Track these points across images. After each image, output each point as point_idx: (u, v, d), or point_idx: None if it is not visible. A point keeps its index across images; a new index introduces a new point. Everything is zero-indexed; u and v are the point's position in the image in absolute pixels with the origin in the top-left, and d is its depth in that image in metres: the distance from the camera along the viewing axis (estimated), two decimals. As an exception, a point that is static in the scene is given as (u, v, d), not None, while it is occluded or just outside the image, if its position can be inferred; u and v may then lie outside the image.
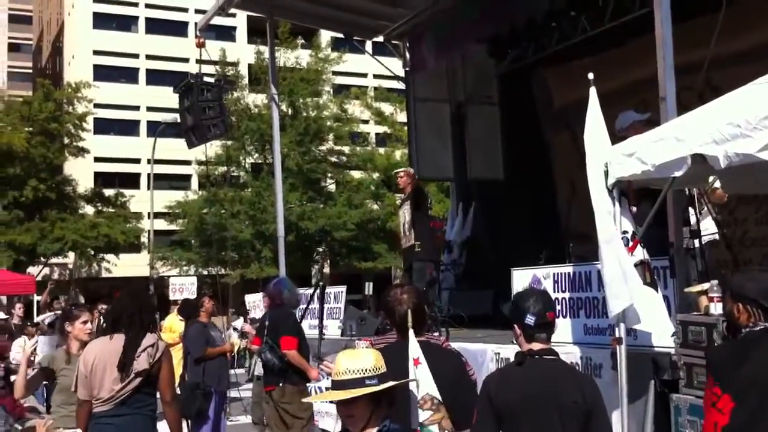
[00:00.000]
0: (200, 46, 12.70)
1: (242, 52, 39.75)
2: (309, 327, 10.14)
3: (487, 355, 6.06)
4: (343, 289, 10.17)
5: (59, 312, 12.56)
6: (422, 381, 3.26)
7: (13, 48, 52.23)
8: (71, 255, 35.57)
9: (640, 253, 4.71)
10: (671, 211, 5.16)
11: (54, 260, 35.65)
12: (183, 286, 15.63)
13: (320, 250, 37.01)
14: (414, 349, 3.37)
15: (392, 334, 4.21)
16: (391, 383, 2.94)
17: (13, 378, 11.10)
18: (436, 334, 6.56)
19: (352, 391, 2.86)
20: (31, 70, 55.88)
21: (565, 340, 6.02)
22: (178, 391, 8.34)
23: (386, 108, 37.76)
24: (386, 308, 3.88)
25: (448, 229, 13.29)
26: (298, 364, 6.77)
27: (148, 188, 37.64)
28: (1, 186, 31.66)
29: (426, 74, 13.50)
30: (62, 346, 5.78)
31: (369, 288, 30.22)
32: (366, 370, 2.90)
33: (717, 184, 4.95)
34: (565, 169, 11.26)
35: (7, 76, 40.72)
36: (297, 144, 33.86)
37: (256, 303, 14.17)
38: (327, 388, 4.54)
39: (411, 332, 3.47)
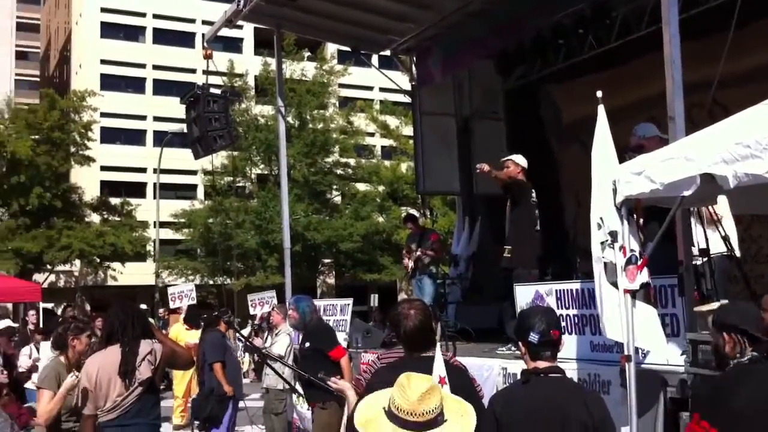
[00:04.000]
0: (208, 57, 12.77)
1: (249, 64, 39.89)
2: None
3: (493, 370, 6.06)
4: (349, 301, 10.17)
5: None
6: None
7: (21, 56, 52.51)
8: (77, 263, 35.63)
9: (646, 274, 4.71)
10: (680, 229, 5.16)
11: (60, 268, 35.71)
12: (182, 293, 15.52)
13: (325, 261, 37.08)
14: (440, 367, 3.23)
15: (399, 349, 4.21)
16: (455, 419, 2.70)
17: (26, 385, 11.14)
18: (443, 349, 6.56)
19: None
20: (38, 78, 56.15)
21: (571, 357, 6.01)
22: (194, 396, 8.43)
23: (392, 121, 37.88)
24: (393, 322, 3.88)
25: (455, 242, 13.32)
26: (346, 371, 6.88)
27: (155, 197, 37.68)
28: (6, 194, 31.76)
29: (432, 88, 13.55)
30: (60, 358, 5.74)
31: (374, 300, 30.20)
32: (437, 408, 2.62)
33: None
34: (572, 184, 11.27)
35: (15, 84, 40.83)
36: (303, 155, 34.00)
37: (258, 301, 14.21)
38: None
39: (438, 350, 3.38)
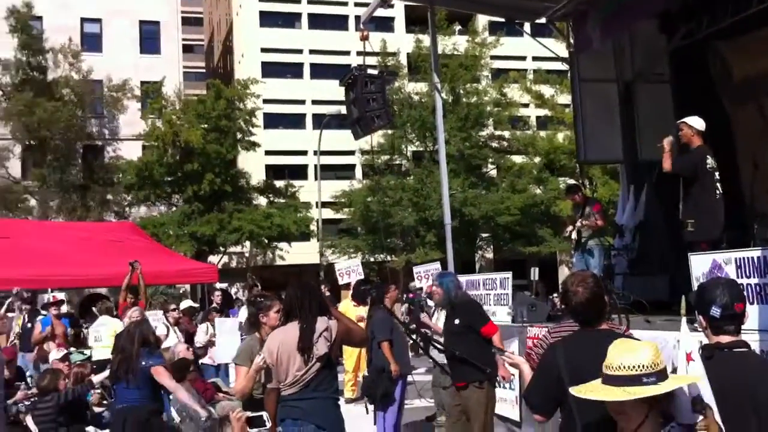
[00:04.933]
0: (364, 39, 13.01)
1: (401, 42, 40.19)
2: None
3: (669, 342, 5.84)
4: (508, 275, 10.10)
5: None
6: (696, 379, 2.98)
7: (187, 49, 55.48)
8: (247, 244, 37.35)
9: None
10: None
11: (232, 249, 37.61)
12: (350, 269, 15.82)
13: (484, 235, 36.96)
14: (687, 342, 3.12)
15: (570, 323, 4.15)
16: (671, 383, 2.74)
17: (203, 360, 11.93)
18: (616, 322, 6.39)
19: (629, 390, 2.64)
20: (204, 70, 59.27)
21: (754, 328, 5.69)
22: (365, 374, 8.64)
23: (546, 90, 37.04)
24: (563, 296, 3.83)
25: (619, 212, 12.90)
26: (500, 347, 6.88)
27: (316, 179, 38.93)
28: (181, 181, 33.82)
29: (591, 54, 13.12)
30: (255, 335, 6.08)
31: (535, 273, 29.85)
32: (644, 367, 2.67)
33: None
34: (747, 145, 10.61)
35: (183, 77, 43.22)
36: (458, 130, 33.95)
37: (423, 274, 14.37)
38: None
39: (684, 322, 3.32)
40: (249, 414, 4.49)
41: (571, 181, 33.08)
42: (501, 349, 4.46)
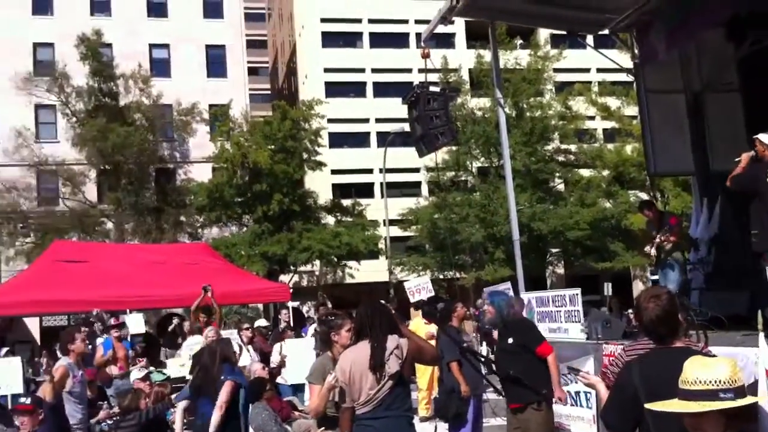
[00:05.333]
0: (425, 56, 13.10)
1: (462, 58, 40.22)
2: (549, 330, 10.11)
3: (749, 359, 5.71)
4: (577, 291, 9.96)
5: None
6: None
7: (252, 72, 56.65)
8: (317, 263, 37.68)
9: None
10: None
11: (302, 268, 38.01)
12: (420, 287, 15.80)
13: (553, 251, 36.51)
14: (766, 357, 3.14)
15: (645, 340, 4.12)
16: (749, 399, 2.70)
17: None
18: (694, 339, 6.27)
19: (705, 404, 2.63)
20: (269, 91, 60.35)
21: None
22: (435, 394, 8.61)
23: (612, 102, 36.51)
24: (637, 311, 3.81)
25: (693, 225, 12.59)
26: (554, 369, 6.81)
27: (382, 196, 39.13)
28: (251, 201, 34.43)
29: (657, 65, 12.91)
30: (327, 353, 6.18)
31: (608, 289, 29.30)
32: (720, 382, 2.66)
33: None
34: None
35: (249, 99, 44.17)
36: (523, 144, 33.73)
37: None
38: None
39: (762, 338, 3.30)
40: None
41: (644, 196, 32.51)
42: (576, 369, 4.42)
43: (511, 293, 11.15)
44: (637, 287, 40.03)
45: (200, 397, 7.09)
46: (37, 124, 39.71)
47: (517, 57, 35.58)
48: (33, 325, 31.03)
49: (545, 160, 35.32)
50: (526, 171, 33.70)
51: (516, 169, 32.27)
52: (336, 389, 5.27)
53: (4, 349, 15.10)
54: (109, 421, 8.75)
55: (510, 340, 7.17)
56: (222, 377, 6.94)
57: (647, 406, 2.92)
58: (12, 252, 34.02)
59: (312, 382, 5.92)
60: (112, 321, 12.57)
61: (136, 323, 14.37)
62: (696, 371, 2.70)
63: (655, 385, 3.37)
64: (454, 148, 33.65)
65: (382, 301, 6.06)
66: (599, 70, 40.46)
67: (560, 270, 41.06)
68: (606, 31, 13.69)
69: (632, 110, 33.35)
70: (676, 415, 2.78)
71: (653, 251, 10.10)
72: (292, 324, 14.60)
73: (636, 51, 13.25)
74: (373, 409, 5.02)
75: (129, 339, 13.62)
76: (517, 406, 7.07)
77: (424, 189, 42.92)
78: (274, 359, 12.78)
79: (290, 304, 16.49)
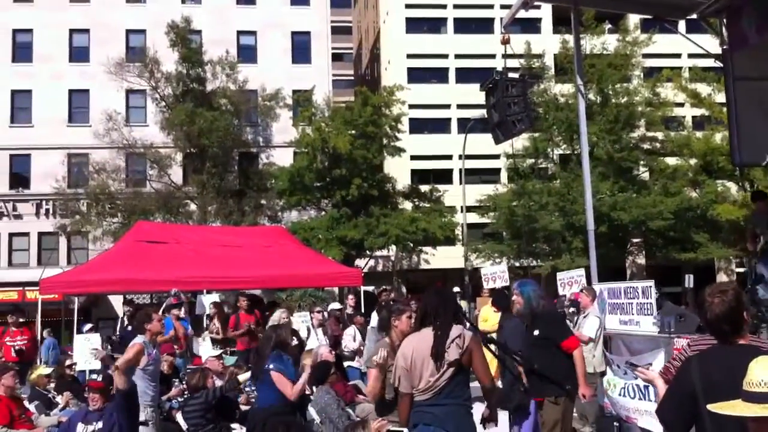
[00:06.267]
0: (505, 42, 12.93)
1: (548, 43, 39.49)
2: (620, 323, 9.88)
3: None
4: (651, 283, 9.66)
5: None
6: None
7: (336, 57, 57.09)
8: (393, 248, 37.84)
9: None
10: None
11: (378, 253, 38.22)
12: (495, 275, 15.71)
13: (634, 241, 35.64)
14: None
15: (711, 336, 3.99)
16: None
17: (346, 364, 12.15)
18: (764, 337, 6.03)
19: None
20: (352, 77, 60.68)
21: None
22: (499, 384, 8.53)
23: (703, 89, 35.23)
24: (700, 306, 3.71)
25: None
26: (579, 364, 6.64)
27: (460, 183, 38.91)
28: (330, 186, 34.78)
29: (747, 51, 12.36)
30: (385, 339, 6.18)
31: (689, 280, 28.35)
32: None
33: None
34: None
35: (333, 84, 44.58)
36: (607, 132, 32.98)
37: (567, 281, 14.04)
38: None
39: None
40: (390, 427, 4.57)
41: (732, 186, 31.29)
42: (633, 364, 4.29)
43: (584, 280, 10.90)
44: (721, 280, 38.70)
45: (256, 382, 7.21)
46: (127, 108, 41.15)
47: (604, 42, 34.73)
48: (117, 302, 32.21)
49: (630, 147, 34.43)
50: (609, 159, 32.93)
51: (598, 157, 31.60)
52: (398, 375, 5.23)
53: (88, 325, 15.72)
54: (179, 399, 8.99)
55: (536, 332, 7.06)
56: (268, 364, 7.00)
57: (709, 407, 2.82)
58: (99, 232, 35.30)
59: (370, 367, 5.94)
60: (171, 301, 12.79)
61: (204, 303, 14.68)
62: (761, 372, 2.60)
63: (714, 382, 3.28)
64: (536, 134, 33.12)
65: (456, 288, 6.00)
66: (690, 56, 39.13)
67: (641, 260, 40.05)
68: (694, 16, 13.21)
69: (723, 97, 32.14)
70: (738, 417, 2.68)
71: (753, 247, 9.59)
72: (363, 309, 14.65)
73: (725, 36, 12.73)
74: (432, 396, 5.04)
75: (206, 315, 13.96)
76: (539, 400, 7.01)
77: (503, 176, 42.46)
78: (348, 345, 12.84)
79: (363, 288, 16.60)
